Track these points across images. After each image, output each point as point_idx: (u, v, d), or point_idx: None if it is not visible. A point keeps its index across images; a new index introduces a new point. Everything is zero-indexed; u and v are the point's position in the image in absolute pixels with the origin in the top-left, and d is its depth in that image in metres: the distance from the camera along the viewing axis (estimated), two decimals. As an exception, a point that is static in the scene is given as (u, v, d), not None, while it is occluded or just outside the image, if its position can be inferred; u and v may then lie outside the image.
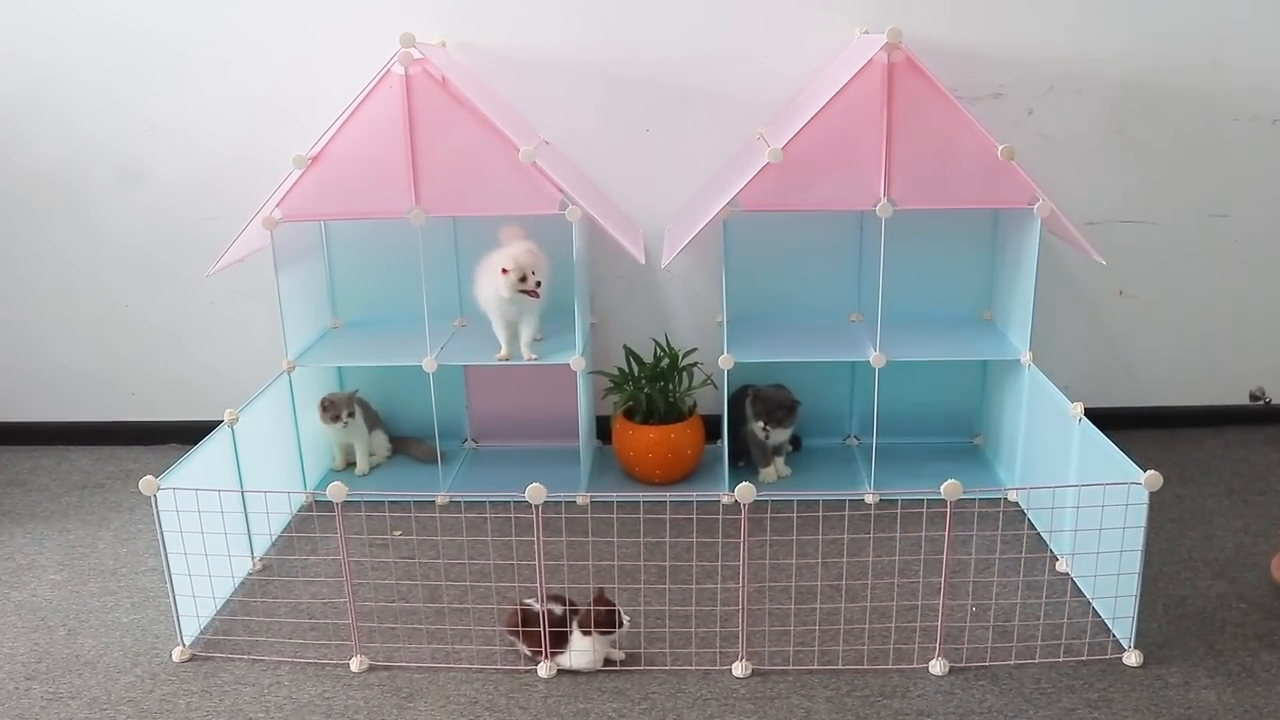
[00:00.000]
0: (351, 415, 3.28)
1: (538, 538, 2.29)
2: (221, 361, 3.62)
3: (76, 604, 2.72)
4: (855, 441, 3.57)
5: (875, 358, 3.03)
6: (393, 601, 2.66)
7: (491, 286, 3.05)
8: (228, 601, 2.66)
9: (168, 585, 2.40)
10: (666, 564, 2.70)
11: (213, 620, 2.58)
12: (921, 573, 2.69)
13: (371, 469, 3.43)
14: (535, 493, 2.22)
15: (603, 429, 3.50)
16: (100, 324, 3.62)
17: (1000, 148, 2.82)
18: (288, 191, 2.91)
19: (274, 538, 2.99)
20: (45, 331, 3.65)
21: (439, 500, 3.20)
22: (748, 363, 3.09)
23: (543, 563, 2.33)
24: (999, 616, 2.53)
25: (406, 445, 3.53)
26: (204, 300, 3.55)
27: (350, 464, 3.45)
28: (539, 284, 3.00)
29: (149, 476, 2.31)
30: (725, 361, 3.05)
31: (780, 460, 3.33)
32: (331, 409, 3.26)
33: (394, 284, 3.38)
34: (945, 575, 2.31)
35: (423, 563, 2.82)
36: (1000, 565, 2.73)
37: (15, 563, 2.95)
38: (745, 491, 2.22)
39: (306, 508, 3.17)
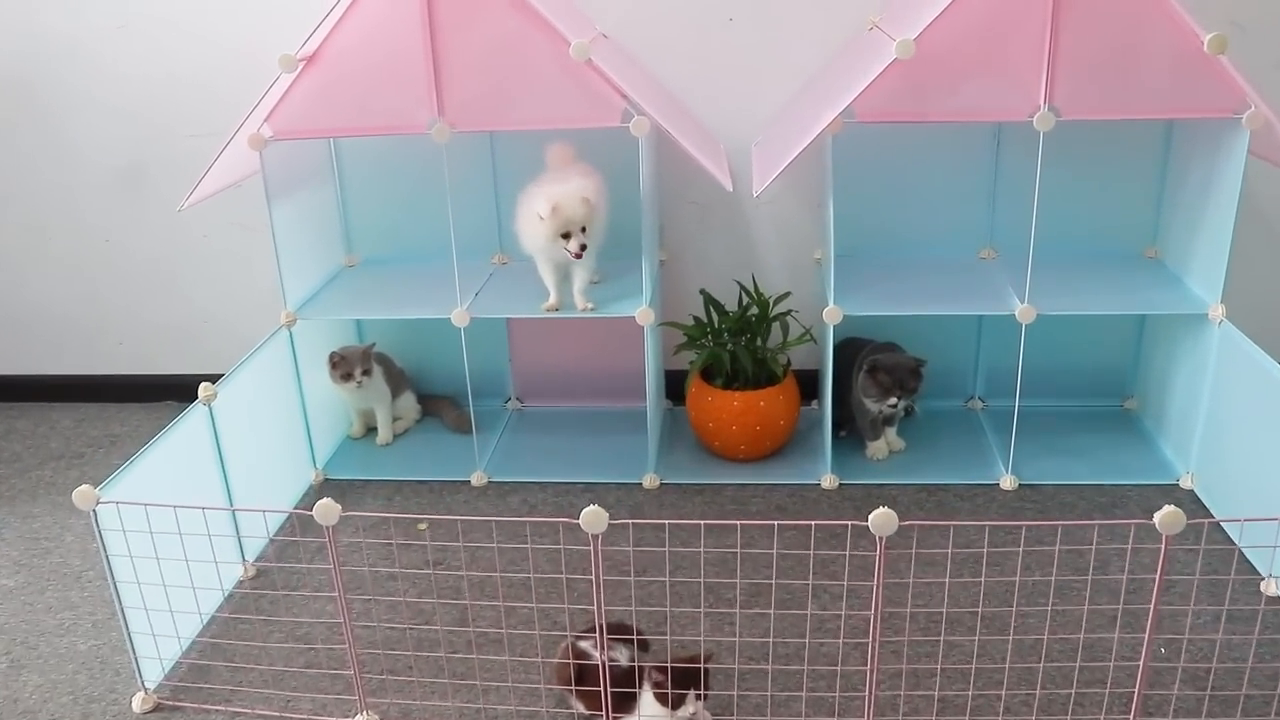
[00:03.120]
0: (367, 373, 2.70)
1: (596, 572, 1.70)
2: (220, 305, 3.06)
3: (28, 622, 2.20)
4: (979, 404, 2.93)
5: (1022, 311, 2.38)
6: (412, 625, 2.10)
7: (534, 226, 2.43)
8: (207, 624, 2.12)
9: (120, 622, 1.86)
10: (773, 582, 2.12)
11: (189, 649, 2.05)
12: (1088, 596, 2.08)
13: (397, 437, 2.87)
14: (593, 519, 1.63)
15: (672, 384, 2.90)
16: (79, 260, 3.06)
17: (1207, 38, 2.12)
18: (278, 102, 2.30)
19: (266, 540, 2.43)
20: (17, 268, 3.10)
21: (474, 482, 2.63)
22: (858, 316, 2.45)
23: (602, 598, 1.75)
24: (1195, 656, 1.91)
25: (438, 407, 2.95)
26: (196, 234, 2.97)
27: (372, 429, 2.89)
28: (584, 247, 2.38)
29: (85, 487, 1.75)
30: (832, 315, 2.41)
31: (892, 431, 2.71)
32: (342, 366, 2.69)
33: (419, 213, 2.79)
34: (1151, 629, 1.68)
35: (445, 575, 2.26)
36: (1186, 585, 2.11)
37: (-33, 559, 2.44)
38: (883, 521, 1.60)
39: (305, 502, 2.63)
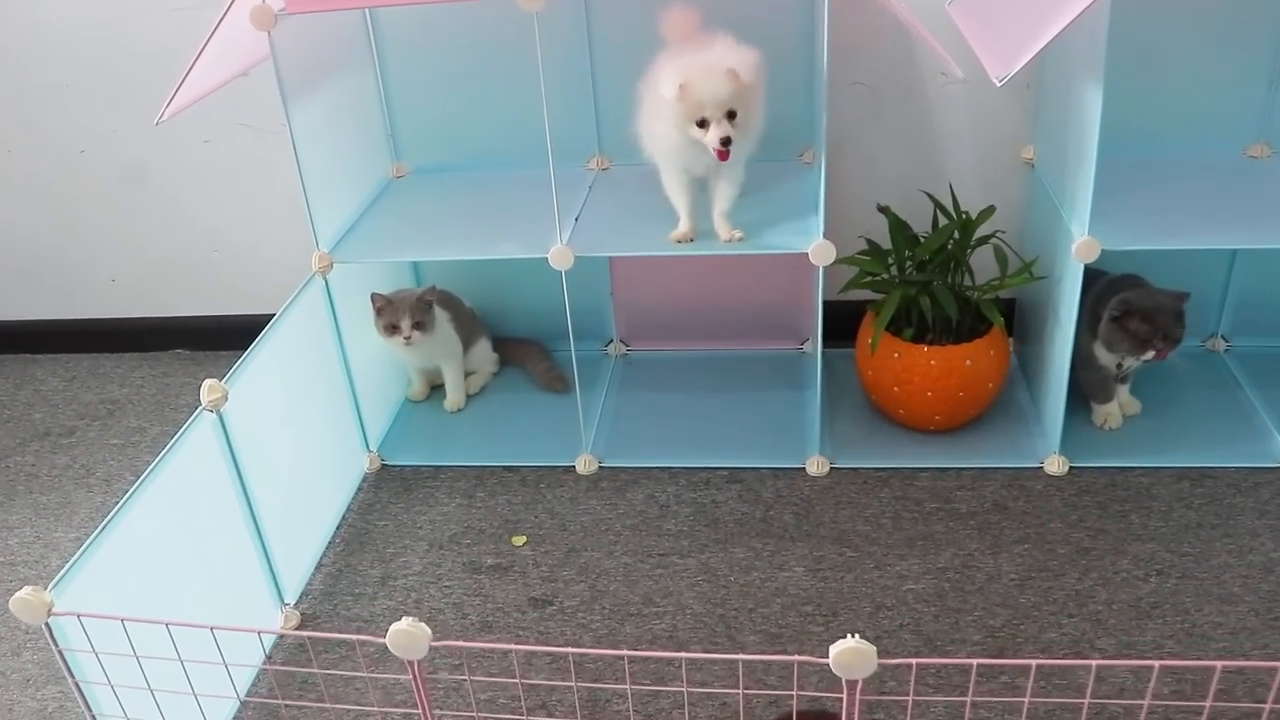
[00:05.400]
0: (420, 327, 2.03)
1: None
2: (233, 228, 2.39)
3: (-4, 701, 1.62)
4: (1221, 344, 2.24)
5: (1361, 238, 1.67)
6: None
7: (662, 120, 1.73)
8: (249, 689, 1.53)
9: (106, 762, 1.26)
10: None
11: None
12: None
13: (471, 397, 2.23)
14: (854, 660, 0.97)
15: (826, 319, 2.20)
16: (50, 178, 2.38)
17: None
18: (290, -41, 1.58)
19: (311, 567, 1.83)
20: (-25, 188, 2.44)
21: (580, 468, 2.00)
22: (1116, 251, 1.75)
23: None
24: None
25: (521, 355, 2.30)
26: (195, 139, 2.28)
27: (438, 387, 2.25)
28: (727, 140, 1.65)
29: (26, 593, 1.12)
30: (1086, 251, 1.71)
31: (1125, 389, 2.03)
32: (387, 313, 2.02)
33: (487, 106, 2.10)
34: None
35: (559, 619, 1.64)
36: None
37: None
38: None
39: (359, 500, 2.01)
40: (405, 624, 1.04)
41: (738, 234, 1.81)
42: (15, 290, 2.52)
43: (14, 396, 2.41)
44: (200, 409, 1.47)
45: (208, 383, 1.47)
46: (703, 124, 1.67)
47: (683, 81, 1.64)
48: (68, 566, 1.21)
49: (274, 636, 1.64)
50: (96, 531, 1.26)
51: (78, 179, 2.36)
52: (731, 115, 1.66)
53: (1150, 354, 1.86)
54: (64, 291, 2.51)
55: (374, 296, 2.02)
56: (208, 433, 1.48)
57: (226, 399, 1.49)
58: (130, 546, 1.30)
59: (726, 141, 1.66)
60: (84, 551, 1.23)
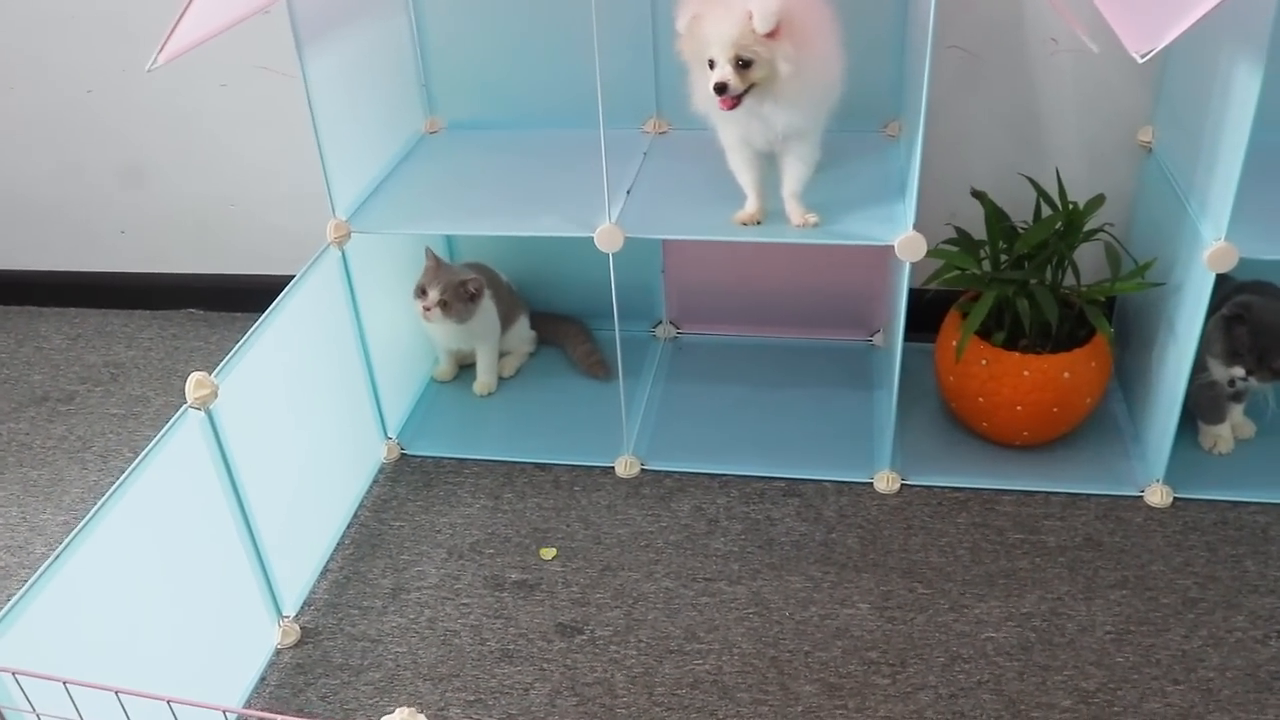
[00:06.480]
0: (445, 306, 1.82)
1: None
2: (250, 181, 2.19)
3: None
4: (1350, 352, 1.98)
5: None
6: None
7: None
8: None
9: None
10: None
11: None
12: None
13: (504, 380, 2.03)
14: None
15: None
16: (57, 121, 2.19)
17: None
18: (306, -119, 1.36)
19: (317, 571, 1.65)
20: (-23, 126, 2.25)
21: (620, 470, 1.79)
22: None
23: None
24: None
25: (560, 334, 2.09)
26: (210, 82, 2.07)
27: (466, 367, 2.05)
28: (722, 87, 1.43)
29: (-46, 642, 0.94)
30: (1222, 259, 1.46)
31: (1239, 410, 1.79)
32: (426, 276, 1.85)
33: (534, 56, 1.87)
34: None
35: (595, 650, 1.45)
36: None
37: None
38: None
39: (373, 495, 1.82)
40: (399, 718, 0.84)
41: (812, 218, 1.58)
42: (21, 238, 2.34)
43: (15, 354, 2.24)
44: (185, 407, 1.28)
45: (194, 377, 1.28)
46: (710, 64, 1.45)
47: (695, 13, 1.45)
48: (10, 605, 1.02)
49: (252, 684, 1.46)
50: (48, 563, 1.07)
51: (85, 121, 2.17)
52: (745, 64, 1.42)
53: (1240, 371, 1.62)
54: (72, 242, 2.33)
55: (428, 252, 1.84)
56: (194, 433, 1.29)
57: (216, 395, 1.29)
58: (93, 572, 1.12)
59: (721, 89, 1.43)
60: (30, 586, 1.05)
